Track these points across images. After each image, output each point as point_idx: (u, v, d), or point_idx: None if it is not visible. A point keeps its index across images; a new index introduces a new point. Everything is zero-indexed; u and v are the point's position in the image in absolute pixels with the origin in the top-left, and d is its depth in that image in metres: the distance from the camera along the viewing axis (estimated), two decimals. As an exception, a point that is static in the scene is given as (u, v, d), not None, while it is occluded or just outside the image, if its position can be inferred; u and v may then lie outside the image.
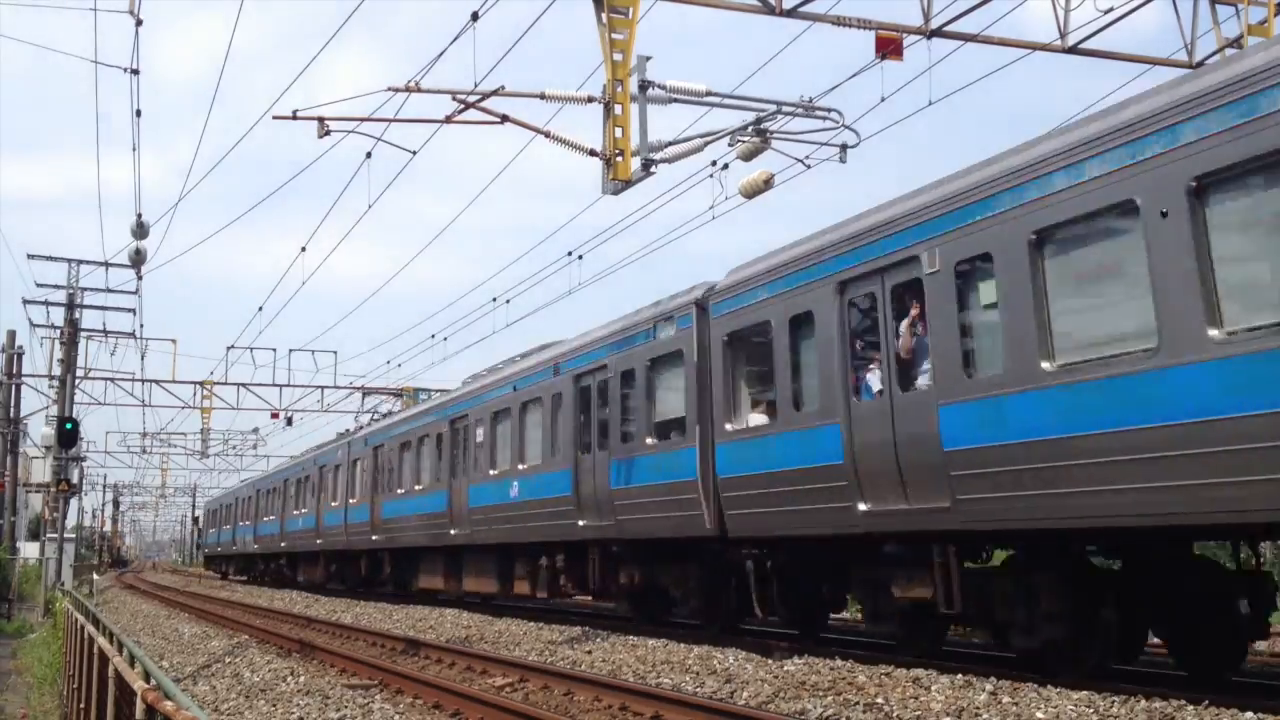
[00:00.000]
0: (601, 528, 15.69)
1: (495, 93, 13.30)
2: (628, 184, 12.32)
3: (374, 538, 26.81)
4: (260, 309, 30.03)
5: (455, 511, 21.12)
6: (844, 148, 14.23)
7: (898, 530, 10.69)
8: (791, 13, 12.90)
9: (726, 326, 13.12)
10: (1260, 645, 12.48)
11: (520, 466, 18.37)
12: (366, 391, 34.71)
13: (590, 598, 19.09)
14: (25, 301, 33.55)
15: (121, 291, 33.10)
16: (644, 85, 12.63)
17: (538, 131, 13.58)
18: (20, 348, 35.91)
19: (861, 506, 10.81)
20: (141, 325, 61.64)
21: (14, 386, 35.53)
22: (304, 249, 24.38)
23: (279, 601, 30.40)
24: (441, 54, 12.97)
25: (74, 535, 51.85)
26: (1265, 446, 7.14)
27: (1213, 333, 7.55)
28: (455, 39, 12.68)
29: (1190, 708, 7.92)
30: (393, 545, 26.07)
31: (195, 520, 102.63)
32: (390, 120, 14.17)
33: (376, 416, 32.96)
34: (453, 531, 21.14)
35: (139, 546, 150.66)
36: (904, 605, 11.19)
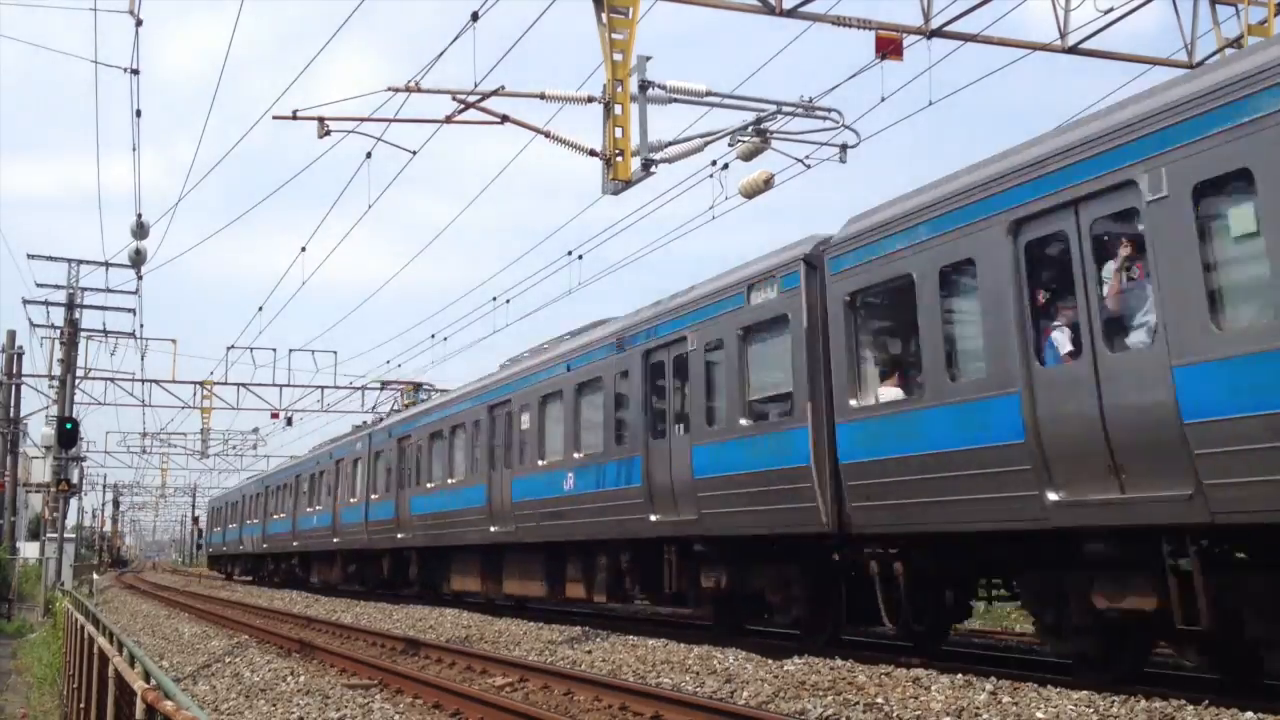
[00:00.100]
0: (680, 523, 13.82)
1: (495, 93, 13.30)
2: (628, 184, 12.32)
3: (399, 536, 24.87)
4: (260, 309, 29.95)
5: (496, 506, 19.33)
6: (844, 148, 14.25)
7: (1108, 524, 8.62)
8: (791, 13, 12.90)
9: (848, 285, 11.17)
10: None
11: (576, 455, 16.51)
12: (385, 385, 32.64)
13: (654, 602, 16.81)
14: (25, 301, 33.57)
15: (121, 291, 33.14)
16: (644, 85, 12.64)
17: (538, 131, 13.58)
18: (20, 348, 35.95)
19: (1051, 496, 8.81)
20: (141, 325, 61.76)
21: (14, 386, 35.53)
22: (304, 249, 24.39)
23: (279, 601, 30.39)
24: (441, 54, 12.97)
25: (74, 535, 51.82)
26: None
27: None
28: (455, 39, 12.69)
29: (1190, 708, 7.92)
30: (421, 544, 24.17)
31: (195, 520, 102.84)
32: (390, 120, 14.17)
33: (396, 408, 30.62)
34: (493, 528, 19.32)
35: (139, 546, 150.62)
36: (1110, 617, 9.00)
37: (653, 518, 14.36)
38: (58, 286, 32.99)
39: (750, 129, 13.76)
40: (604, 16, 11.98)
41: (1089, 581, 9.07)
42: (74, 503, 52.94)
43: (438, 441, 23.03)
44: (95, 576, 47.27)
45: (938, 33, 13.51)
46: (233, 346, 37.16)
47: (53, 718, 13.72)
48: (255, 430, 60.61)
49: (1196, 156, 7.79)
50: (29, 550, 41.68)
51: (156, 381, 40.45)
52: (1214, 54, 13.92)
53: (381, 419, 29.99)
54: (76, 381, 33.54)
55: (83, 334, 33.48)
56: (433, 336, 44.32)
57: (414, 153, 14.87)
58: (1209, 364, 7.62)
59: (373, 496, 27.23)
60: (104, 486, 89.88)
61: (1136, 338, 8.42)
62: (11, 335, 35.87)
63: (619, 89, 12.13)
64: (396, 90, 13.28)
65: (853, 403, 11.04)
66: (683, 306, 14.22)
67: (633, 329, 15.36)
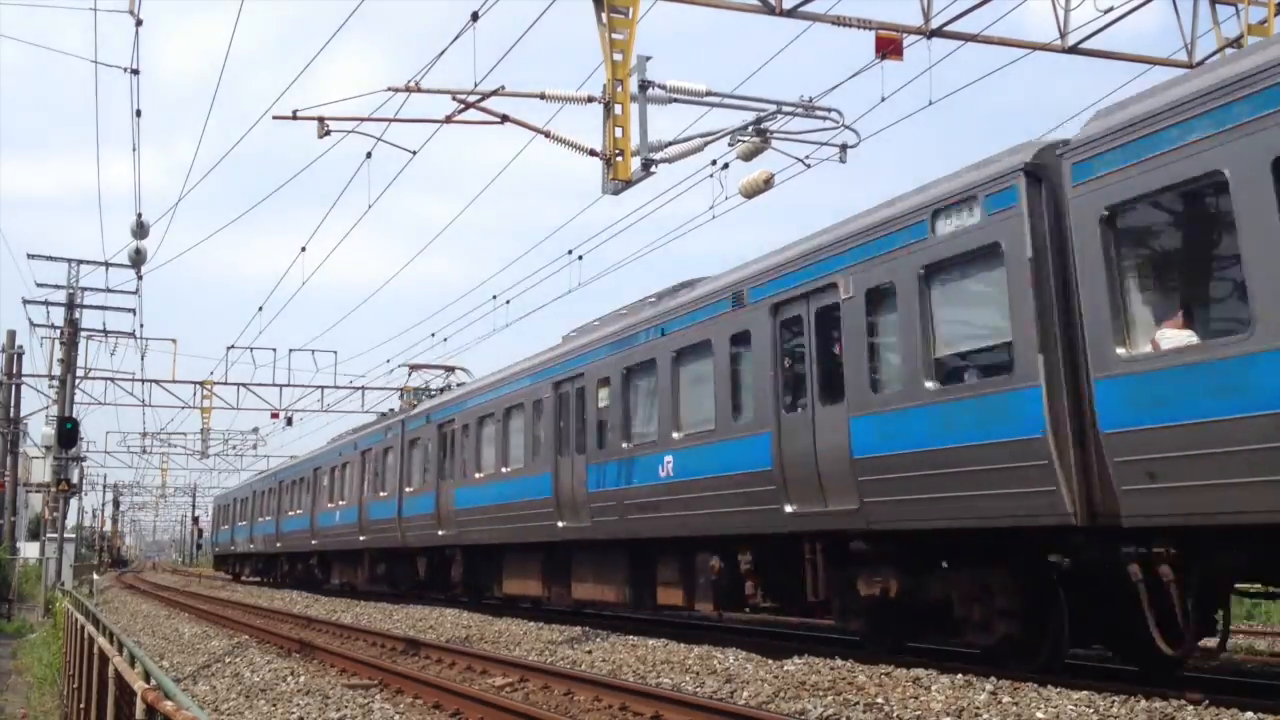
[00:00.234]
0: (830, 515, 11.28)
1: (495, 93, 13.31)
2: (628, 184, 12.34)
3: (440, 533, 22.13)
4: (260, 309, 29.93)
5: (564, 498, 16.84)
6: (844, 148, 14.27)
7: None
8: (791, 13, 12.91)
9: (1107, 195, 8.50)
10: (1260, 645, 12.50)
11: (675, 436, 13.97)
12: (414, 368, 29.50)
13: (783, 611, 13.82)
14: (25, 301, 33.57)
15: (121, 291, 33.13)
16: (644, 85, 12.65)
17: (538, 131, 13.59)
18: (20, 348, 35.96)
19: None
20: (141, 325, 61.71)
21: (14, 386, 35.54)
22: (304, 249, 24.38)
23: (279, 601, 30.39)
24: (441, 54, 12.98)
25: (74, 535, 51.84)
26: None
27: None
28: (455, 39, 12.70)
29: (1190, 708, 7.92)
30: (467, 542, 21.42)
31: (195, 520, 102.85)
32: (390, 120, 14.19)
33: (431, 393, 27.48)
34: (560, 524, 16.85)
35: (139, 546, 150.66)
36: None
37: (788, 509, 11.72)
38: (58, 286, 33.01)
39: (750, 129, 13.77)
40: (604, 16, 11.99)
41: None
42: (74, 503, 52.97)
43: (488, 426, 20.27)
44: (95, 576, 47.27)
45: (938, 33, 13.51)
46: (233, 346, 37.19)
47: (53, 718, 13.72)
48: (255, 430, 60.67)
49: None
50: (29, 550, 41.69)
51: (156, 381, 40.48)
52: (1214, 54, 13.93)
53: (416, 403, 26.97)
54: (76, 381, 33.54)
55: (83, 334, 33.50)
56: (433, 335, 44.40)
57: (414, 153, 14.90)
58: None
59: (407, 490, 24.58)
60: (104, 486, 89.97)
61: None
62: (11, 335, 35.92)
63: (619, 89, 12.14)
64: (396, 90, 13.30)
65: (1123, 352, 8.39)
66: (828, 247, 11.51)
67: (754, 279, 12.66)
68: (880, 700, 9.01)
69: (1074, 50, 14.02)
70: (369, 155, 15.59)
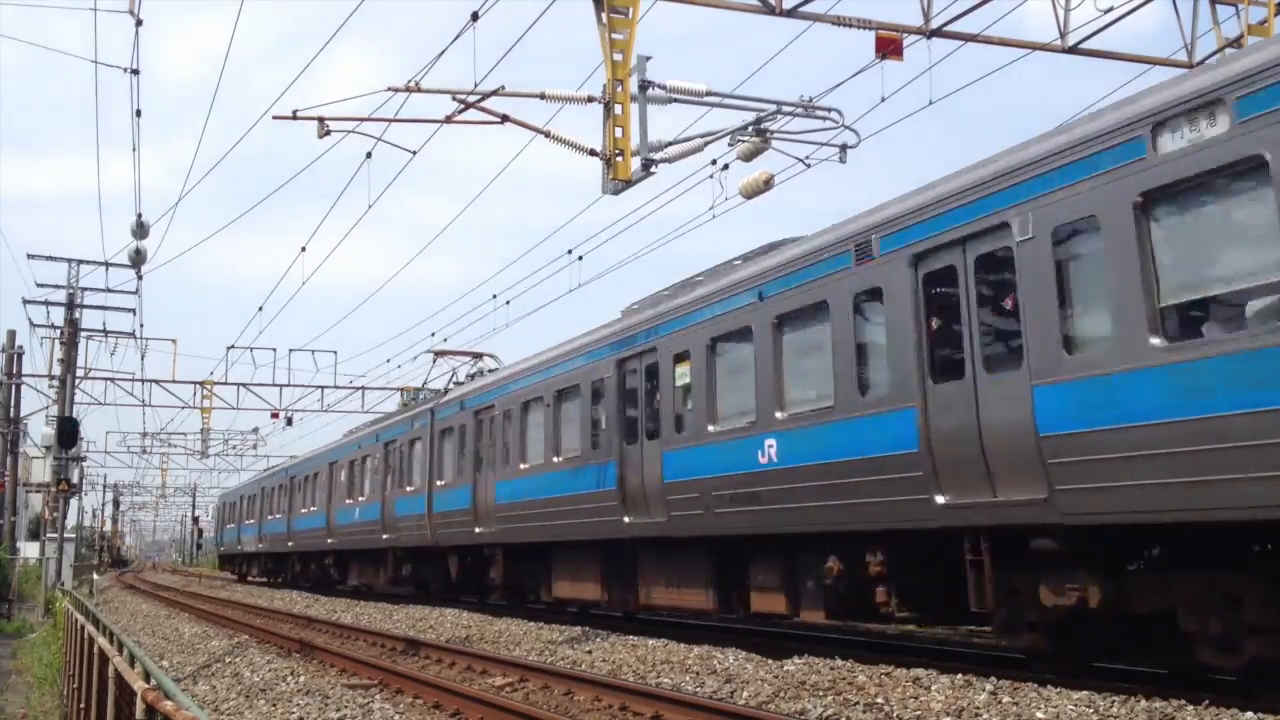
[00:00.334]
0: (1004, 507, 9.21)
1: (495, 93, 13.31)
2: (628, 184, 12.34)
3: (477, 530, 20.18)
4: (260, 309, 29.99)
5: (632, 491, 14.84)
6: (844, 148, 14.27)
7: None
8: (791, 13, 12.91)
9: None
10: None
11: (779, 415, 11.92)
12: (440, 354, 27.54)
13: (926, 622, 12.12)
14: (25, 301, 33.59)
15: (121, 291, 33.15)
16: (644, 85, 12.65)
17: (538, 131, 13.59)
18: (20, 348, 35.98)
19: None
20: (141, 325, 61.78)
21: (14, 386, 35.55)
22: (304, 249, 24.39)
23: (279, 601, 30.39)
24: (441, 54, 12.98)
25: (74, 535, 51.85)
26: None
27: None
28: (455, 39, 12.70)
29: (1190, 708, 7.92)
30: (509, 540, 19.42)
31: (195, 520, 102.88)
32: (390, 120, 14.19)
33: (458, 380, 25.27)
34: (626, 519, 14.86)
35: (139, 546, 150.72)
36: None
37: (940, 499, 9.77)
38: (58, 286, 33.03)
39: (750, 129, 13.78)
40: (604, 16, 11.99)
41: None
42: (74, 503, 52.98)
43: (535, 411, 18.29)
44: (95, 576, 47.27)
45: (938, 33, 13.51)
46: (233, 346, 37.23)
47: (53, 718, 13.72)
48: (255, 430, 60.70)
49: None
50: (29, 550, 41.72)
51: (156, 381, 40.51)
52: (1214, 53, 13.93)
53: (447, 389, 24.73)
54: (76, 381, 33.55)
55: (83, 334, 33.51)
56: (433, 335, 44.43)
57: (414, 153, 14.90)
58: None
59: (438, 483, 22.62)
60: (104, 486, 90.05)
61: None
62: (11, 335, 35.93)
63: (619, 89, 12.14)
64: (396, 90, 13.30)
65: None
66: (993, 180, 9.53)
67: (885, 227, 10.66)
68: (880, 700, 9.01)
69: (1074, 50, 14.02)
70: (369, 155, 15.60)
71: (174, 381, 40.32)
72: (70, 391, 32.37)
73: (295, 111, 13.71)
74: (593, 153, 12.57)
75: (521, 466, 18.51)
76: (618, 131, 12.16)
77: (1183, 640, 8.54)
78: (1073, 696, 8.57)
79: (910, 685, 9.56)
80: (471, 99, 13.31)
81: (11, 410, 35.59)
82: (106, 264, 31.81)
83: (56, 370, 33.85)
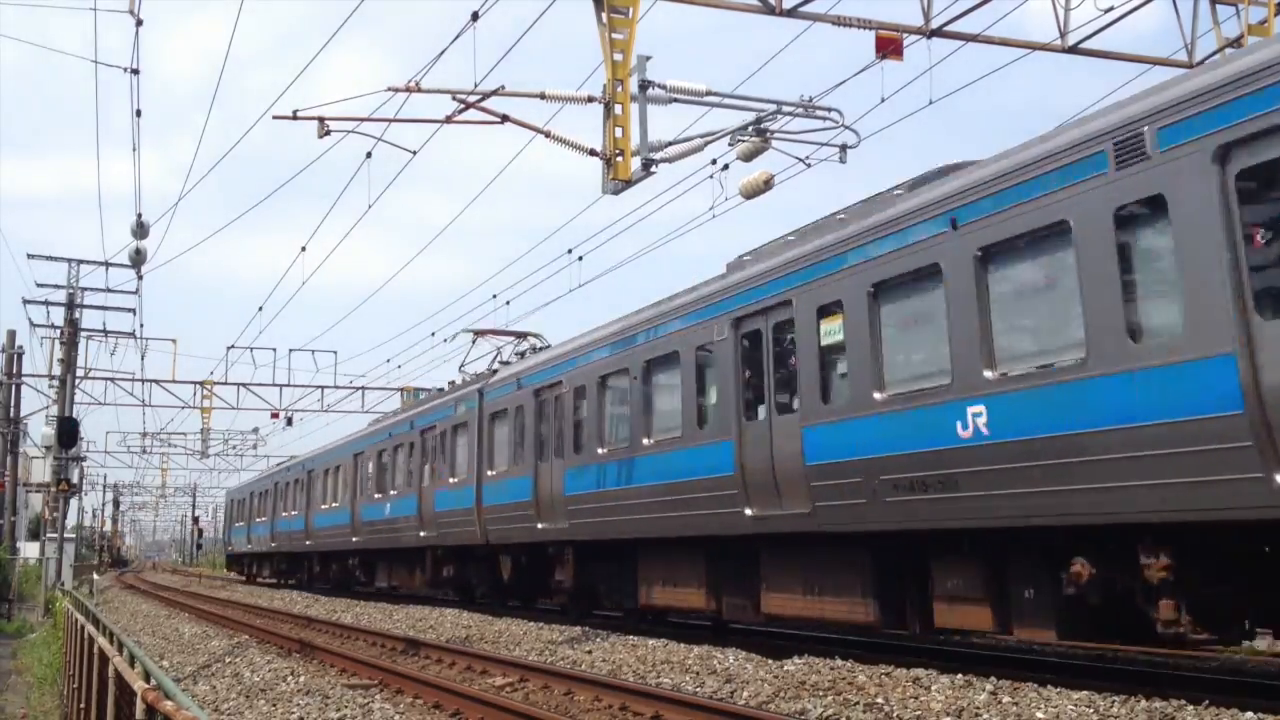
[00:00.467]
0: None
1: (495, 93, 13.32)
2: (628, 184, 12.34)
3: (540, 526, 17.66)
4: (260, 309, 30.07)
5: (755, 477, 12.30)
6: (844, 148, 14.27)
7: None
8: (791, 13, 12.91)
9: None
10: (1260, 645, 12.47)
11: (988, 376, 9.28)
12: (478, 333, 24.86)
13: (1219, 644, 9.47)
14: (25, 301, 33.62)
15: (121, 291, 33.20)
16: (644, 85, 12.65)
17: (538, 131, 13.59)
18: (20, 348, 35.99)
19: None
20: (141, 325, 61.86)
21: (14, 386, 35.55)
22: (304, 249, 24.38)
23: (279, 601, 30.40)
24: (441, 54, 12.99)
25: (74, 535, 51.87)
26: None
27: None
28: (455, 39, 12.71)
29: (1190, 708, 7.93)
30: (582, 537, 16.65)
31: (195, 520, 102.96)
32: (390, 120, 14.20)
33: (505, 360, 22.82)
34: (749, 511, 12.32)
35: (139, 546, 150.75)
36: None
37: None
38: (58, 286, 33.05)
39: (750, 129, 13.78)
40: (604, 16, 11.99)
41: None
42: (74, 503, 53.02)
43: (616, 386, 15.87)
44: (95, 576, 47.27)
45: (938, 33, 13.52)
46: (233, 346, 37.29)
47: (53, 718, 13.72)
48: (255, 430, 60.74)
49: None
50: (29, 550, 41.74)
51: (156, 381, 40.57)
52: (1214, 53, 13.93)
53: (494, 369, 22.27)
54: (76, 381, 33.57)
55: (83, 334, 33.53)
56: (433, 335, 44.40)
57: (414, 153, 14.91)
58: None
59: (489, 473, 20.16)
60: (104, 486, 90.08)
61: None
62: (11, 335, 35.94)
63: (619, 89, 12.14)
64: (396, 90, 13.30)
65: None
66: None
67: (1161, 114, 8.06)
68: (880, 700, 9.01)
69: (1074, 50, 14.02)
70: (369, 155, 15.61)
71: (174, 381, 40.42)
72: (70, 391, 32.39)
73: (295, 111, 13.71)
74: (593, 153, 12.57)
75: (599, 451, 15.92)
76: (618, 131, 12.16)
77: None
78: (1073, 696, 8.57)
79: (910, 685, 9.56)
80: (471, 99, 13.32)
81: (11, 410, 35.60)
82: (106, 264, 31.87)
83: (56, 370, 33.88)
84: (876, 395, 10.55)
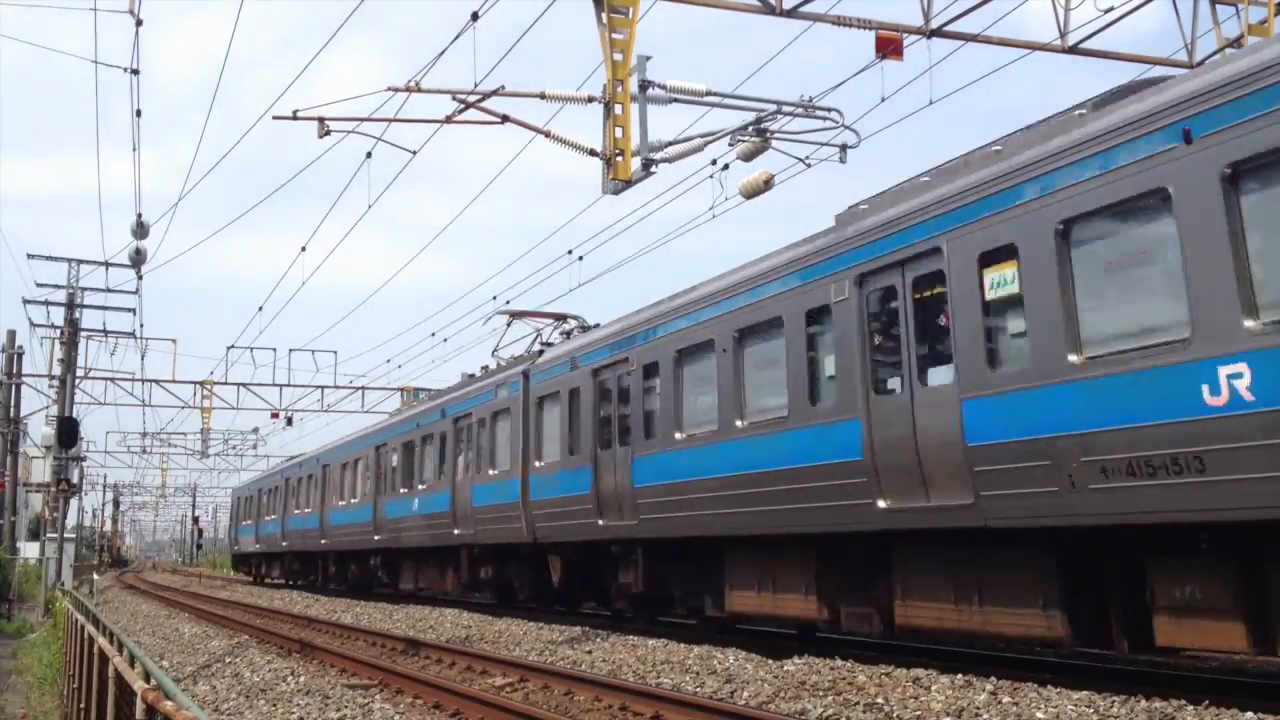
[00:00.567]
0: None
1: (495, 93, 13.32)
2: (628, 184, 12.33)
3: (601, 523, 15.79)
4: (260, 309, 30.05)
5: (889, 462, 10.34)
6: (844, 148, 14.26)
7: None
8: (791, 13, 12.91)
9: None
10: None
11: (1248, 325, 7.32)
12: (515, 315, 22.80)
13: None
14: (25, 301, 33.65)
15: (121, 291, 33.23)
16: (644, 85, 12.65)
17: (538, 131, 13.59)
18: (20, 348, 36.00)
19: None
20: (141, 325, 61.85)
21: (14, 386, 35.55)
22: (304, 249, 24.37)
23: (279, 601, 30.39)
24: (441, 54, 12.98)
25: (74, 535, 51.85)
26: None
27: None
28: (455, 39, 12.70)
29: (1190, 708, 7.92)
30: (655, 534, 14.69)
31: (195, 520, 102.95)
32: (390, 120, 14.20)
33: (547, 342, 20.83)
34: (882, 504, 10.37)
35: (139, 546, 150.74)
36: None
37: None
38: (58, 286, 33.07)
39: (750, 129, 13.77)
40: (604, 16, 11.99)
41: None
42: (74, 503, 53.01)
43: (699, 361, 13.80)
44: (95, 576, 47.27)
45: (938, 33, 13.51)
46: (233, 346, 37.32)
47: (53, 718, 13.72)
48: (255, 430, 60.76)
49: None
50: (29, 550, 41.75)
51: (156, 381, 40.58)
52: (1214, 54, 13.92)
53: (539, 350, 20.11)
54: (76, 381, 33.57)
55: (83, 334, 33.54)
56: (433, 335, 44.41)
57: (414, 153, 14.91)
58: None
59: (536, 465, 18.25)
60: (104, 486, 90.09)
61: None
62: (11, 335, 35.95)
63: (619, 89, 12.13)
64: (396, 90, 13.30)
65: None
66: None
67: None
68: (880, 700, 9.01)
69: (1074, 50, 14.01)
70: (369, 155, 15.61)
71: (174, 381, 40.44)
72: (70, 391, 32.38)
73: (295, 111, 13.71)
74: (593, 153, 12.57)
75: (677, 437, 14.01)
76: (618, 131, 12.16)
77: None
78: (1073, 696, 8.57)
79: (910, 685, 9.56)
80: (471, 99, 13.32)
81: (11, 410, 35.59)
82: (106, 264, 31.89)
83: (56, 370, 33.89)
84: (1073, 358, 8.51)
